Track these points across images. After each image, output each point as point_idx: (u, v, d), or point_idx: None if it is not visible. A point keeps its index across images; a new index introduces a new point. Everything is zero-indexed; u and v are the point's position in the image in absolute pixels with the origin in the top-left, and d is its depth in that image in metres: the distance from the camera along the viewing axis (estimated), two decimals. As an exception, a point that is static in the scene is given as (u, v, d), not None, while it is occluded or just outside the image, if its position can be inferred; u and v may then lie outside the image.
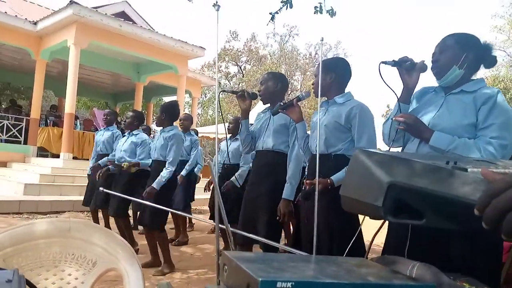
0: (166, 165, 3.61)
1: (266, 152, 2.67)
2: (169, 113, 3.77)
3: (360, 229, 1.87)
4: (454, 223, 0.73)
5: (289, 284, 0.44)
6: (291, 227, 4.16)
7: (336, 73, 2.25)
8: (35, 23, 9.71)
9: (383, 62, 1.69)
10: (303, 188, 2.24)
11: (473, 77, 1.73)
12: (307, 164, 2.43)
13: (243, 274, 0.48)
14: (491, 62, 1.69)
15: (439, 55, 1.68)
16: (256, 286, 0.44)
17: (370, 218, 0.91)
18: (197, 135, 5.81)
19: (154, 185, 3.55)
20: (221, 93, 2.15)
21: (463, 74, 1.64)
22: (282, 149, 2.62)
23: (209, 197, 5.35)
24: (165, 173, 3.58)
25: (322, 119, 2.25)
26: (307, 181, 2.16)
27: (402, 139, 1.74)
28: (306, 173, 2.47)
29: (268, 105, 2.80)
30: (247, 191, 2.75)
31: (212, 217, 5.57)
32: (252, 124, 2.94)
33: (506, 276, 2.24)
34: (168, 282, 0.60)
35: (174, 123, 3.92)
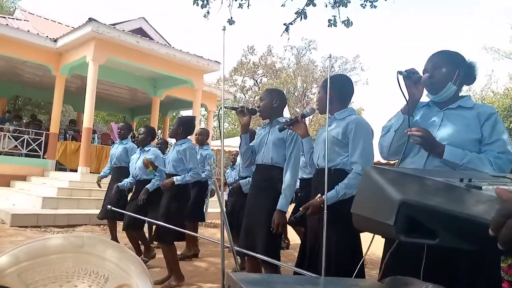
0: (183, 176, 3.65)
1: (264, 166, 2.73)
2: (186, 127, 3.80)
3: (360, 245, 1.87)
4: (468, 242, 0.71)
5: (292, 309, 0.43)
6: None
7: (338, 89, 2.31)
8: (55, 40, 9.99)
9: (399, 72, 1.70)
10: (298, 213, 2.31)
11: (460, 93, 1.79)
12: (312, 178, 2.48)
13: (247, 298, 0.47)
14: (472, 79, 1.78)
15: (433, 71, 1.73)
16: (259, 311, 0.43)
17: (382, 237, 0.89)
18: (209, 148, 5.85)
19: (174, 179, 3.62)
20: (221, 109, 2.24)
21: (455, 90, 1.72)
22: (280, 163, 2.68)
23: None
24: (189, 176, 3.65)
25: (324, 135, 2.29)
26: (301, 208, 2.23)
27: (402, 152, 1.74)
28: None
29: (267, 120, 2.87)
30: (247, 205, 2.80)
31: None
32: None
33: None
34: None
35: (189, 137, 3.94)
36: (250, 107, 2.82)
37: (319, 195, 2.14)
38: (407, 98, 1.72)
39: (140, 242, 4.38)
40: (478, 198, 0.66)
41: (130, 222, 4.15)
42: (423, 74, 1.75)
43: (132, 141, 5.12)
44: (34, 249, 1.48)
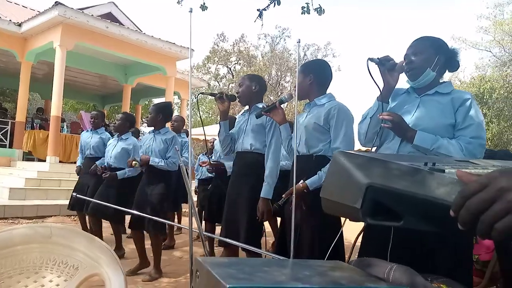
0: (166, 162, 3.54)
1: (244, 153, 2.70)
2: (165, 114, 3.68)
3: (342, 231, 1.90)
4: (431, 224, 0.73)
5: (257, 291, 0.43)
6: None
7: (314, 75, 2.29)
8: (20, 25, 9.56)
9: (370, 59, 1.71)
10: (281, 200, 2.28)
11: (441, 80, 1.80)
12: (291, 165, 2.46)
13: (213, 280, 0.47)
14: (455, 66, 1.78)
15: (413, 57, 1.73)
16: (224, 293, 0.43)
17: (349, 220, 0.90)
18: (187, 136, 5.78)
19: (152, 160, 3.50)
20: (200, 95, 2.18)
21: (434, 76, 1.71)
22: (260, 149, 2.65)
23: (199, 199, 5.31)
24: (165, 162, 3.52)
25: (304, 121, 2.28)
26: (284, 194, 2.23)
27: (379, 139, 1.76)
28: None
29: (247, 107, 2.83)
30: (228, 192, 2.78)
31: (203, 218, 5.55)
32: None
33: (491, 276, 2.28)
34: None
35: (167, 124, 3.87)
36: (229, 93, 2.75)
37: (301, 181, 2.13)
38: (378, 85, 1.73)
39: (114, 236, 4.25)
40: (441, 180, 0.68)
41: (113, 215, 4.03)
42: (404, 59, 1.75)
43: (105, 131, 4.96)
44: (-1, 240, 1.43)
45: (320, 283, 0.47)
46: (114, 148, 4.23)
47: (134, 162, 3.70)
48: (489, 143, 16.53)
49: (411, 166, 0.76)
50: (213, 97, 2.72)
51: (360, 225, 1.44)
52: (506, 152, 3.70)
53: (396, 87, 1.80)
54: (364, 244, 1.70)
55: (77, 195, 2.35)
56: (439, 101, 1.68)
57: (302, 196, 2.11)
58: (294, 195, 1.83)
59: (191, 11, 1.12)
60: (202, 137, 11.47)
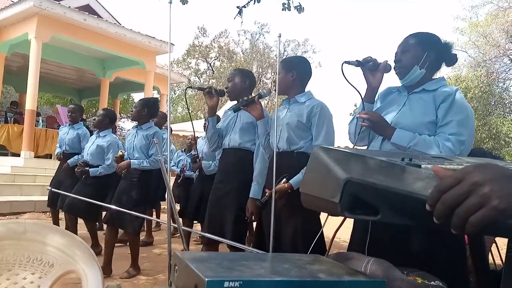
0: (152, 157, 3.48)
1: (232, 150, 2.67)
2: (151, 109, 3.59)
3: (322, 227, 1.92)
4: (408, 218, 0.75)
5: (236, 284, 0.43)
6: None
7: (297, 71, 2.30)
8: (-8, 15, 9.25)
9: (346, 62, 1.71)
10: (263, 197, 2.29)
11: (435, 76, 1.79)
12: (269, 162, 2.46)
13: (192, 274, 0.47)
14: (451, 60, 1.76)
15: (401, 55, 1.72)
16: (203, 286, 0.43)
17: (328, 214, 0.91)
18: (171, 132, 5.72)
19: (133, 162, 3.42)
20: (188, 89, 2.14)
21: (424, 73, 1.69)
22: (248, 147, 2.63)
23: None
24: (147, 162, 3.45)
25: (284, 117, 2.28)
26: (267, 190, 2.23)
27: (368, 137, 1.78)
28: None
29: (235, 102, 2.78)
30: (213, 189, 2.73)
31: (180, 215, 5.52)
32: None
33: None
34: (118, 283, 0.58)
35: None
36: (218, 88, 2.70)
37: (284, 179, 2.13)
38: (355, 88, 1.69)
39: (89, 233, 4.17)
40: (417, 175, 0.69)
41: (86, 212, 3.95)
42: (395, 57, 1.75)
43: (83, 126, 4.83)
44: (-31, 237, 1.38)
45: (299, 276, 0.48)
46: (91, 145, 4.14)
47: (120, 153, 3.62)
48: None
49: (388, 161, 0.77)
50: (194, 93, 2.69)
51: (340, 220, 1.46)
52: (480, 149, 3.80)
53: (389, 86, 1.82)
54: (352, 240, 1.72)
55: (52, 189, 2.31)
56: (423, 98, 1.67)
57: (285, 195, 2.11)
58: (273, 191, 1.83)
59: (170, 2, 1.11)
60: (181, 133, 11.38)
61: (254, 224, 2.55)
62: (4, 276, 1.38)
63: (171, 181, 5.72)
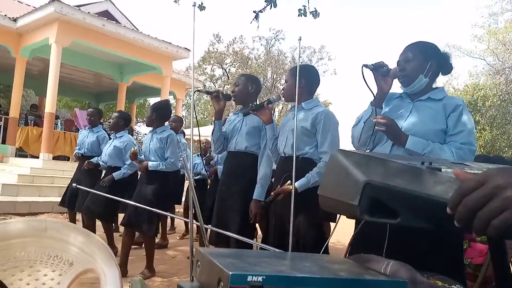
0: (168, 160, 3.53)
1: (237, 153, 2.72)
2: (160, 113, 3.63)
3: (324, 230, 1.94)
4: (428, 222, 0.75)
5: (260, 278, 0.44)
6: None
7: (306, 79, 2.34)
8: (15, 20, 9.50)
9: (364, 65, 1.73)
10: (268, 197, 2.32)
11: (434, 85, 1.83)
12: (276, 166, 2.50)
13: (215, 269, 0.48)
14: (448, 69, 1.81)
15: (405, 64, 1.76)
16: (226, 280, 0.44)
17: (347, 217, 0.92)
18: (184, 137, 5.80)
19: (150, 165, 3.47)
20: (196, 93, 2.19)
21: (427, 82, 1.74)
22: (254, 151, 2.68)
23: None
24: (163, 164, 3.50)
25: (290, 123, 2.32)
26: (272, 193, 2.26)
27: (372, 142, 1.79)
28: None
29: (241, 106, 2.85)
30: (218, 192, 2.78)
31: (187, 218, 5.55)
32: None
33: (483, 279, 2.30)
34: (141, 279, 0.59)
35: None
36: (225, 92, 2.76)
37: (288, 182, 2.16)
38: (373, 91, 1.75)
39: (105, 234, 4.23)
40: (438, 179, 0.69)
41: (103, 213, 4.02)
42: (397, 65, 1.79)
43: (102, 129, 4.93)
44: (-7, 233, 1.42)
45: (321, 274, 0.48)
46: (109, 147, 4.23)
47: (133, 149, 3.66)
48: (482, 150, 16.66)
49: (408, 164, 0.77)
50: (209, 98, 2.73)
51: (346, 225, 1.46)
52: (500, 157, 3.75)
53: (390, 91, 1.83)
54: (355, 244, 1.72)
55: (77, 186, 2.38)
56: (431, 107, 1.71)
57: (289, 197, 2.15)
58: (292, 191, 1.85)
59: (194, 5, 1.13)
60: (196, 137, 11.45)
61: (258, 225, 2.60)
62: (26, 272, 1.42)
63: (186, 185, 5.78)
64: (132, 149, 3.66)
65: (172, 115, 5.56)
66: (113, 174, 4.05)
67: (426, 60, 1.73)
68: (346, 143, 2.23)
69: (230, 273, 0.43)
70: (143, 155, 3.69)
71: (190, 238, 0.60)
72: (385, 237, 1.46)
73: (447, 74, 1.87)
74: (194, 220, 0.64)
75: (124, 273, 3.44)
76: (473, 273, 2.42)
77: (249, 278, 0.44)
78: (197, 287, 0.53)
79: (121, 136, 4.23)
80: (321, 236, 2.25)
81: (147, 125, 3.81)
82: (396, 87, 1.84)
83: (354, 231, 1.64)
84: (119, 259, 3.49)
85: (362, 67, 1.71)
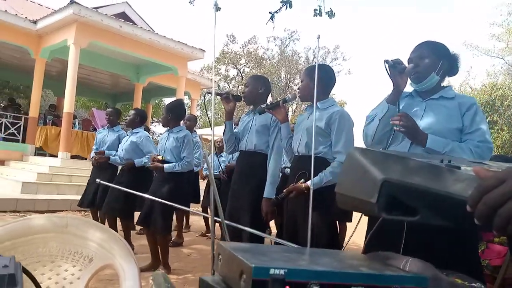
0: (179, 163, 3.56)
1: (248, 153, 2.74)
2: (176, 113, 3.70)
3: (337, 228, 1.95)
4: (447, 219, 0.74)
5: (282, 271, 0.45)
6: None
7: (322, 79, 2.33)
8: (35, 22, 9.72)
9: (386, 61, 1.73)
10: (280, 195, 2.32)
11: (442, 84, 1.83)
12: (290, 164, 2.51)
13: (237, 262, 0.49)
14: (455, 71, 1.83)
15: (419, 60, 1.76)
16: (249, 273, 0.45)
17: (364, 214, 0.92)
18: (197, 135, 5.86)
19: (165, 166, 3.52)
20: (207, 95, 2.22)
21: (438, 80, 1.75)
22: (263, 149, 2.69)
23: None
24: (181, 164, 3.55)
25: (305, 122, 2.33)
26: (284, 190, 2.27)
27: (386, 141, 1.77)
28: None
29: (251, 107, 2.88)
30: (231, 191, 2.81)
31: (204, 218, 5.61)
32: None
33: (502, 280, 2.26)
34: (163, 272, 0.61)
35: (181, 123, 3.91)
36: (235, 94, 2.80)
37: (302, 180, 2.16)
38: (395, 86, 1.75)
39: (123, 231, 4.29)
40: (457, 177, 0.69)
41: (123, 209, 4.09)
42: (408, 63, 1.78)
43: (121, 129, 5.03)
44: (16, 228, 1.46)
45: (342, 268, 0.49)
46: (125, 143, 4.32)
47: (159, 157, 3.66)
48: (500, 151, 16.34)
49: (427, 162, 0.77)
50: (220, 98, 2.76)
51: (360, 224, 1.45)
52: (519, 158, 3.68)
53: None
54: (371, 242, 1.71)
55: (101, 182, 2.46)
56: (445, 105, 1.72)
57: (302, 195, 2.17)
58: (311, 188, 1.86)
59: (216, 4, 1.15)
60: (210, 137, 11.52)
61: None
62: (48, 267, 1.45)
63: (201, 184, 5.82)
64: (160, 157, 3.65)
65: (189, 113, 5.64)
66: (134, 160, 4.12)
67: (438, 59, 1.74)
68: (360, 143, 2.23)
69: (253, 265, 0.44)
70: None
71: (212, 232, 0.61)
72: (402, 236, 1.45)
73: (452, 76, 1.87)
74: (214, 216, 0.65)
75: (156, 265, 3.63)
76: (491, 274, 2.38)
77: (271, 271, 0.44)
78: (219, 280, 0.54)
79: (137, 132, 4.33)
80: (334, 235, 2.25)
81: (163, 126, 3.88)
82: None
83: (367, 230, 1.63)
84: (152, 258, 3.66)
85: (384, 62, 1.71)
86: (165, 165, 3.54)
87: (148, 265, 3.64)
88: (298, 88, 2.46)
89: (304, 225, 2.16)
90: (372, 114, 1.87)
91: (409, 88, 1.87)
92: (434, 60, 1.74)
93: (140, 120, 4.39)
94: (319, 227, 2.15)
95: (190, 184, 5.16)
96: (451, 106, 1.70)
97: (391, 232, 1.51)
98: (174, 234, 5.09)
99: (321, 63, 2.80)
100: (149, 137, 4.38)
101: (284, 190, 2.29)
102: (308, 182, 2.16)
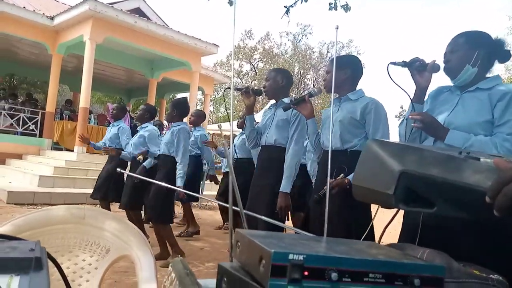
0: (178, 162, 3.69)
1: (269, 147, 2.73)
2: (180, 109, 3.87)
3: (372, 224, 1.89)
4: (465, 211, 0.74)
5: (301, 257, 0.45)
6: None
7: (351, 69, 2.27)
8: (52, 18, 9.86)
9: (392, 63, 1.69)
10: (321, 191, 2.22)
11: (489, 74, 1.72)
12: (319, 161, 2.45)
13: (256, 248, 0.49)
14: (505, 57, 1.68)
15: (450, 55, 1.68)
16: (268, 258, 0.45)
17: (381, 206, 0.91)
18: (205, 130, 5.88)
19: (178, 184, 3.66)
20: (226, 90, 2.19)
21: (477, 72, 1.63)
22: (283, 144, 2.66)
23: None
24: (180, 170, 3.69)
25: (336, 115, 2.25)
26: (325, 187, 2.17)
27: (419, 139, 1.73)
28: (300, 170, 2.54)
29: (273, 101, 2.84)
30: (251, 185, 2.81)
31: (221, 210, 5.64)
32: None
33: None
34: (182, 258, 0.62)
35: (185, 119, 3.99)
36: (255, 88, 2.77)
37: (342, 175, 2.08)
38: (402, 88, 1.68)
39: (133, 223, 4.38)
40: (476, 168, 0.68)
41: (129, 201, 4.18)
42: (444, 58, 1.71)
43: (130, 122, 5.13)
44: (36, 219, 1.49)
45: (360, 256, 0.49)
46: (134, 137, 4.45)
47: (139, 157, 4.09)
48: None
49: (445, 153, 0.77)
50: (236, 94, 2.74)
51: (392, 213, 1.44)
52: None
53: (441, 85, 1.77)
54: (401, 233, 1.68)
55: (121, 170, 2.51)
56: (478, 97, 1.60)
57: (340, 190, 2.07)
58: (328, 183, 1.83)
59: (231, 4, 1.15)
60: (223, 133, 11.55)
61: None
62: (66, 257, 1.48)
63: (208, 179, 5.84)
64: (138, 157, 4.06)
65: (196, 109, 5.71)
66: (143, 164, 4.26)
67: (472, 49, 1.62)
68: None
69: (272, 251, 0.45)
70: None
71: (230, 220, 0.62)
72: (418, 228, 1.44)
73: (504, 62, 1.71)
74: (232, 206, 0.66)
75: (166, 254, 3.76)
76: None
77: (291, 257, 0.45)
78: (237, 267, 0.55)
79: (146, 127, 4.46)
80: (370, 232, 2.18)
81: (167, 121, 4.01)
82: (447, 81, 1.77)
83: (390, 221, 1.62)
84: (160, 248, 3.78)
85: (388, 65, 1.66)
86: (178, 183, 3.67)
87: (157, 255, 3.72)
88: (324, 80, 2.38)
89: (339, 222, 2.10)
90: (406, 114, 1.83)
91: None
92: (467, 51, 1.63)
93: (149, 115, 4.52)
94: (357, 224, 2.06)
95: (197, 177, 5.26)
96: (482, 97, 1.59)
97: (407, 225, 1.49)
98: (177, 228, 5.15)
99: (338, 56, 2.72)
100: (157, 131, 4.51)
101: (325, 187, 2.21)
102: (349, 177, 2.09)
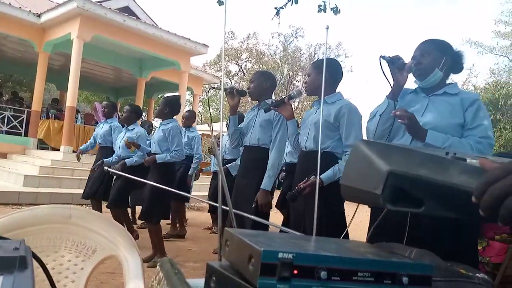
0: (173, 151, 3.67)
1: (252, 148, 2.77)
2: (172, 107, 3.81)
3: (345, 220, 1.95)
4: (452, 211, 0.75)
5: (290, 255, 0.45)
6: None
7: (330, 73, 2.32)
8: (39, 15, 9.72)
9: (382, 57, 1.73)
10: (293, 190, 2.29)
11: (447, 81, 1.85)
12: (297, 160, 2.52)
13: (245, 247, 0.49)
14: (459, 68, 1.84)
15: (421, 58, 1.78)
16: (258, 256, 0.45)
17: (369, 206, 0.93)
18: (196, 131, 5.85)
19: (157, 158, 3.63)
20: (212, 90, 2.22)
21: (442, 76, 1.76)
22: (267, 144, 2.72)
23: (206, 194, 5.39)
24: (172, 155, 3.65)
25: (312, 117, 2.33)
26: (300, 184, 2.22)
27: (387, 136, 1.78)
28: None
29: (257, 102, 2.90)
30: (235, 184, 2.85)
31: (210, 212, 5.61)
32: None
33: (502, 278, 2.27)
34: (170, 258, 0.61)
35: (175, 117, 3.95)
36: (239, 89, 2.83)
37: (313, 175, 2.14)
38: (390, 83, 1.75)
39: (123, 222, 4.35)
40: (463, 168, 0.69)
41: (114, 200, 4.15)
42: (412, 60, 1.79)
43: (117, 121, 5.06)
44: (21, 218, 1.47)
45: (349, 254, 0.49)
46: (122, 140, 4.35)
47: (128, 142, 4.04)
48: (502, 149, 16.28)
49: (433, 154, 0.78)
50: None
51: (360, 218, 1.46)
52: (521, 156, 3.68)
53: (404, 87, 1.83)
54: (374, 234, 1.71)
55: (109, 169, 2.49)
56: (448, 101, 1.73)
57: (314, 189, 2.14)
58: (317, 180, 1.86)
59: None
60: (216, 133, 11.52)
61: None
62: (51, 257, 1.46)
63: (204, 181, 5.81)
64: (131, 150, 3.95)
65: (187, 110, 5.69)
66: (124, 161, 4.16)
67: (441, 55, 1.75)
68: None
69: (262, 249, 0.45)
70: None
71: (219, 220, 0.62)
72: (405, 228, 1.46)
73: (457, 73, 1.88)
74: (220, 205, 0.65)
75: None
76: (492, 272, 2.38)
77: (280, 255, 0.45)
78: (226, 265, 0.55)
79: (133, 129, 4.39)
80: (342, 228, 2.24)
81: (156, 117, 3.99)
82: (409, 83, 1.85)
83: (370, 222, 1.64)
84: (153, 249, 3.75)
85: (380, 58, 1.72)
86: (157, 156, 3.65)
87: (149, 256, 3.71)
88: (305, 83, 2.44)
89: (311, 216, 2.15)
90: (374, 110, 1.89)
91: (413, 85, 1.87)
92: (437, 56, 1.75)
93: (135, 116, 4.47)
94: (330, 221, 2.13)
95: (185, 178, 5.23)
96: (453, 102, 1.71)
97: (394, 225, 1.52)
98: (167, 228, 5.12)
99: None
100: (145, 133, 4.47)
101: (297, 187, 2.26)
102: (322, 177, 2.15)
